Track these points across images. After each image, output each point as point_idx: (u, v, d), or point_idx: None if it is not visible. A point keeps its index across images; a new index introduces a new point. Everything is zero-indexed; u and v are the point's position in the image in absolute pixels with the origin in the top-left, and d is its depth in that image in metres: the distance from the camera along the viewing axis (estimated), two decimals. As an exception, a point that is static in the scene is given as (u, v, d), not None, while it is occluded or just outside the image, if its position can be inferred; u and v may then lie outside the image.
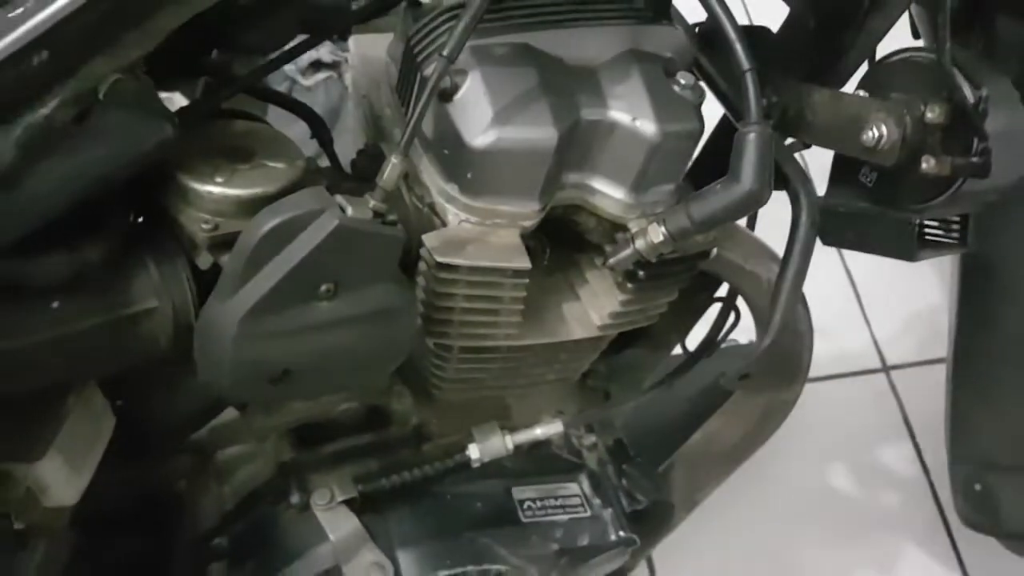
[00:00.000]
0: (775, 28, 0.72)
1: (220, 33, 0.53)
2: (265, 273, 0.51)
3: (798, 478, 1.37)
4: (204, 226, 0.55)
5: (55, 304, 0.51)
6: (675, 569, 1.31)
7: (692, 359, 0.84)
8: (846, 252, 1.39)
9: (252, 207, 0.54)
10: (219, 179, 0.54)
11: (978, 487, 0.97)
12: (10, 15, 0.41)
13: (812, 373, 1.30)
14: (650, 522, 0.84)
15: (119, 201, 0.52)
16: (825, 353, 1.42)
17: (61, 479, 0.54)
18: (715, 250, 0.70)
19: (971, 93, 0.58)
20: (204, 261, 0.55)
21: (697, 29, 0.69)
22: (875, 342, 1.57)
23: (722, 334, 0.84)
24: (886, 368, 1.52)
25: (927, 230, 0.67)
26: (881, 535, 1.36)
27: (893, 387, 1.50)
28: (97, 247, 0.51)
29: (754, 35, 0.69)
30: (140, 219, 0.58)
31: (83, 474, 0.56)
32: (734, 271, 0.78)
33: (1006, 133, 0.58)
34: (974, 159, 0.59)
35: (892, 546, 1.36)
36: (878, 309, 1.59)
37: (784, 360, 0.80)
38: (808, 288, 0.72)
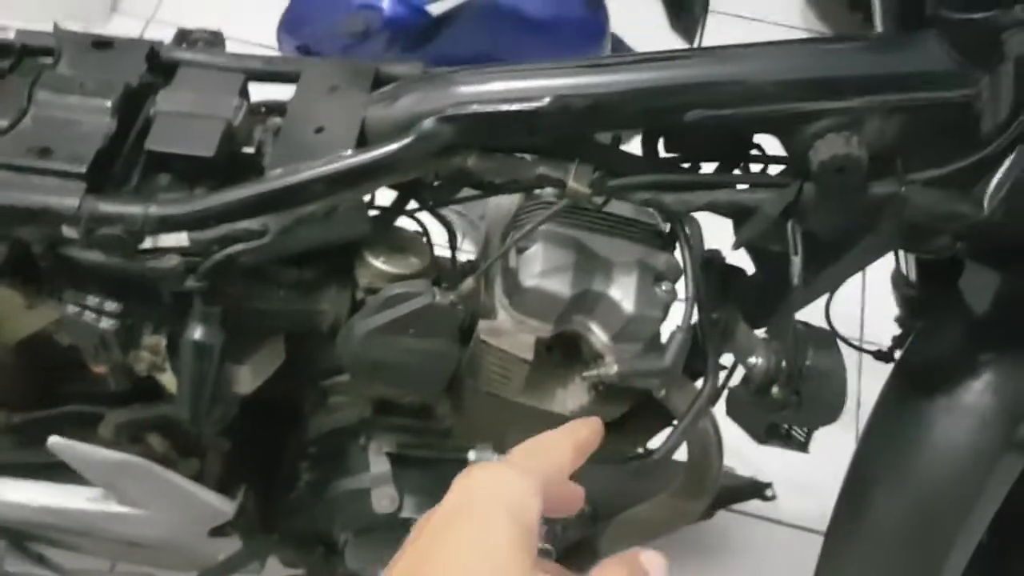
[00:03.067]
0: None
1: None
2: (386, 313, 0.87)
3: None
4: (364, 280, 0.90)
5: (280, 292, 0.92)
6: None
7: (641, 456, 1.15)
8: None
9: (392, 278, 0.90)
10: (381, 259, 0.90)
11: None
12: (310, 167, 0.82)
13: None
14: (577, 551, 1.16)
15: (335, 251, 0.91)
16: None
17: (247, 378, 0.96)
18: (663, 391, 1.00)
19: (807, 358, 0.87)
20: (358, 295, 0.93)
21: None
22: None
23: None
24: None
25: (789, 429, 1.00)
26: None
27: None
28: (309, 271, 0.91)
29: (729, 272, 0.96)
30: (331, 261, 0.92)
31: (258, 380, 0.97)
32: (673, 404, 1.00)
33: (819, 380, 0.87)
34: (795, 396, 0.87)
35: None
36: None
37: (693, 475, 1.07)
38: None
